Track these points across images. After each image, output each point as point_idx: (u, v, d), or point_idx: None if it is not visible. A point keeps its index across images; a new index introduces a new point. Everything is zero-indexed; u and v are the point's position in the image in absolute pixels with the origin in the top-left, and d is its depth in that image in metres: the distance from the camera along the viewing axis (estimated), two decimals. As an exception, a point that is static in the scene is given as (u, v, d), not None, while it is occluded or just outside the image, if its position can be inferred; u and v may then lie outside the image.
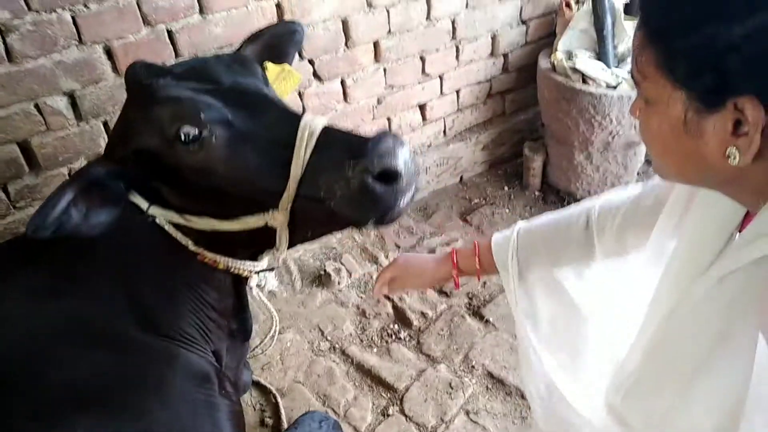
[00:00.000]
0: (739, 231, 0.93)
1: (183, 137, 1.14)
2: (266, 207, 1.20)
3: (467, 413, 2.09)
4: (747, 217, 0.92)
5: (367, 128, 2.79)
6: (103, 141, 2.11)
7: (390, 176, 1.08)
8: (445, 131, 3.13)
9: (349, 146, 1.12)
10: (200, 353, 1.38)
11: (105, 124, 2.09)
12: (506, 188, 3.24)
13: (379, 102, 2.77)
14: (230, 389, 1.42)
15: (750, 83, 0.69)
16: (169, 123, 1.15)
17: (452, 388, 2.17)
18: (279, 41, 1.48)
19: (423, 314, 2.50)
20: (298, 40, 1.50)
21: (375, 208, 1.13)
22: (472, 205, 3.13)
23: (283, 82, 1.41)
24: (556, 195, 3.17)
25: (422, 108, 2.96)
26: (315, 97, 2.56)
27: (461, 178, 3.28)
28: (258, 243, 1.34)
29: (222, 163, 1.16)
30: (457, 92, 3.06)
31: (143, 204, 1.24)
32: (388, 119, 2.85)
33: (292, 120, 1.18)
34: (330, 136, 1.16)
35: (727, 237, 0.93)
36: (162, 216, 1.26)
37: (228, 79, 1.24)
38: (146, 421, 1.19)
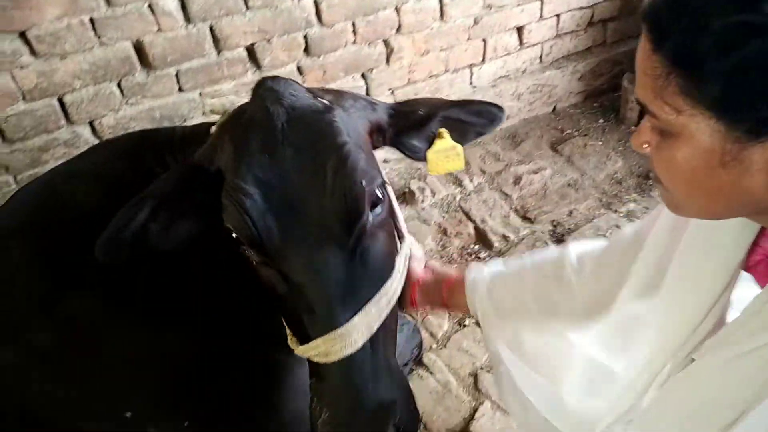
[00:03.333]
0: (746, 263, 0.85)
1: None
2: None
3: (543, 331, 2.11)
4: (753, 249, 0.84)
5: (462, 48, 2.75)
6: (208, 45, 2.20)
7: None
8: (541, 57, 3.04)
9: (343, 389, 1.00)
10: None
11: (211, 28, 2.18)
12: (601, 121, 3.14)
13: (475, 22, 2.72)
14: None
15: None
16: (225, 218, 1.02)
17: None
18: (474, 119, 1.23)
19: (505, 237, 2.51)
20: (490, 129, 1.26)
21: None
22: (563, 136, 3.06)
23: (446, 161, 1.22)
24: (653, 131, 3.04)
25: (520, 31, 2.88)
26: (411, 13, 2.54)
27: (555, 107, 3.20)
28: None
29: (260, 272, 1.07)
30: (558, 17, 2.94)
31: None
32: (484, 41, 2.79)
33: (331, 316, 0.99)
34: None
35: (731, 270, 0.85)
36: None
37: (316, 206, 0.98)
38: None
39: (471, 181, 2.79)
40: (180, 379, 1.14)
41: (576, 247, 1.18)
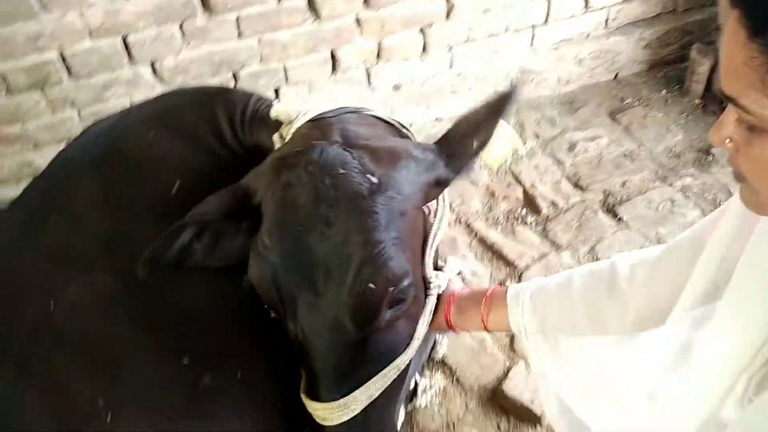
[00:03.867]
0: None
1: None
2: None
3: (584, 299, 2.10)
4: None
5: (524, 8, 2.68)
6: (267, -9, 2.21)
7: None
8: (607, 22, 2.92)
9: None
10: None
11: (270, -27, 2.18)
12: (664, 92, 3.02)
13: (540, -18, 2.64)
14: None
15: None
16: (249, 270, 1.06)
17: (573, 275, 2.17)
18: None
19: (554, 203, 2.47)
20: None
21: None
22: (623, 105, 2.96)
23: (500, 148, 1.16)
24: (718, 105, 2.91)
25: (586, -7, 2.78)
26: (475, -31, 2.49)
27: (617, 75, 3.08)
28: None
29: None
30: (628, -20, 2.83)
31: None
32: (548, 1, 2.71)
33: (331, 392, 1.03)
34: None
35: None
36: None
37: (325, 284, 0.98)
38: None
39: (524, 144, 2.75)
40: (236, 328, 1.16)
41: (626, 257, 1.11)
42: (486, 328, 1.19)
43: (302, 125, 1.16)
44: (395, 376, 1.07)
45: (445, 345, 1.95)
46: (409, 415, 1.79)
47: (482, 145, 1.10)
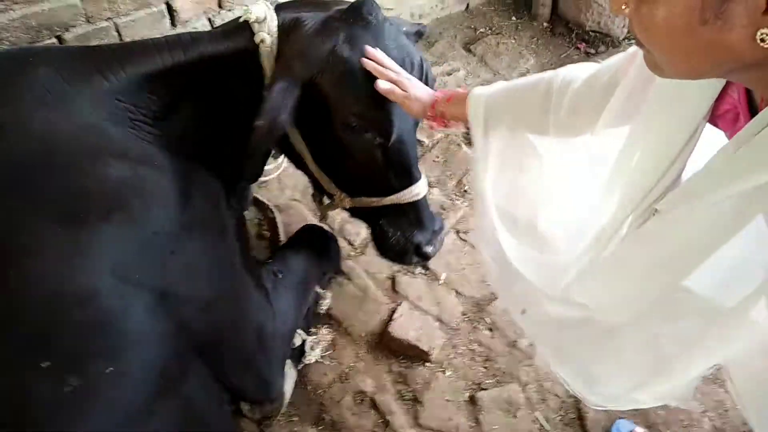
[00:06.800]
0: (714, 111, 0.88)
1: (354, 128, 1.34)
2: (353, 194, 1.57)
3: (457, 232, 2.15)
4: (722, 97, 0.86)
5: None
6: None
7: (423, 255, 1.62)
8: (451, -48, 2.93)
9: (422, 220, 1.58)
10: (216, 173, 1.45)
11: None
12: (514, 18, 3.09)
13: None
14: (236, 205, 1.57)
15: None
16: (357, 114, 1.32)
17: (444, 210, 2.21)
18: None
19: (419, 142, 2.48)
20: None
21: (399, 259, 1.67)
22: (476, 35, 3.00)
23: None
24: (564, 26, 3.04)
25: None
26: None
27: (467, 5, 3.12)
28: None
29: (359, 154, 1.41)
30: None
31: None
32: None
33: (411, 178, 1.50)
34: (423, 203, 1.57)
35: (695, 124, 0.89)
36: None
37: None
38: (162, 231, 1.21)
39: (384, 85, 2.72)
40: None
41: (562, 75, 1.18)
42: (444, 116, 1.35)
43: (284, 16, 1.33)
44: None
45: (329, 298, 1.94)
46: (301, 373, 1.78)
47: None
